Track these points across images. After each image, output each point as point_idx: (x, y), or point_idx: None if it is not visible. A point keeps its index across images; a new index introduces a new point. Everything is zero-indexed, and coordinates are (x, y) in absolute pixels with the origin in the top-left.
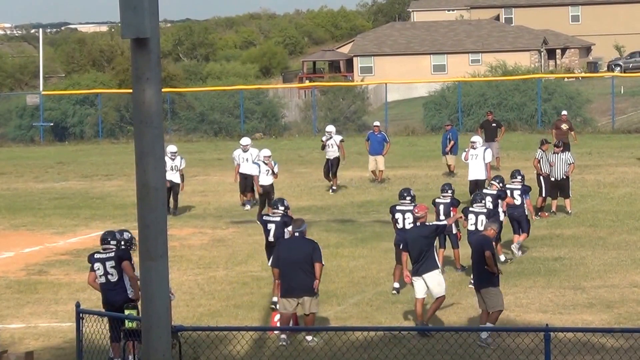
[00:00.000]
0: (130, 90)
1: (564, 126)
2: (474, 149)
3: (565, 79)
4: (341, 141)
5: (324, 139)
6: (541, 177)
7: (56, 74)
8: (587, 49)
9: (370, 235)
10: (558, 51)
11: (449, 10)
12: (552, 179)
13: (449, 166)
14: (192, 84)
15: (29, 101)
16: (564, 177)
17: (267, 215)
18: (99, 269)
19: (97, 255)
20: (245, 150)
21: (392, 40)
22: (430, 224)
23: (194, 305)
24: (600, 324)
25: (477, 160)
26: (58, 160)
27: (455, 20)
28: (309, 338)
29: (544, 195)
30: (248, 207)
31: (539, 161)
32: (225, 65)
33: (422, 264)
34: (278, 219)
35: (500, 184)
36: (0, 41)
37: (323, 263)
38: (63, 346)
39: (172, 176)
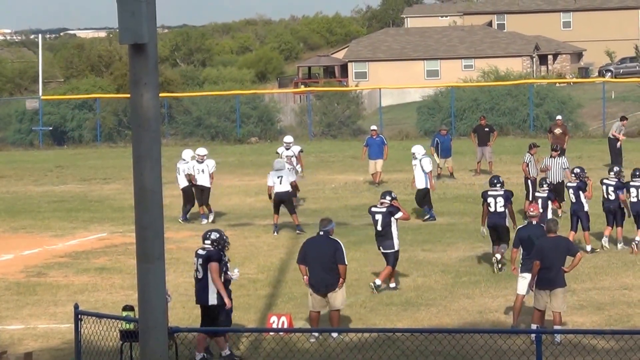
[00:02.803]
0: (128, 95)
1: (557, 130)
2: (415, 158)
3: (557, 84)
4: (300, 152)
5: (279, 150)
6: (529, 181)
7: (55, 79)
8: (578, 55)
9: (363, 238)
10: (550, 57)
11: (442, 17)
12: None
13: (447, 168)
14: (189, 89)
15: (28, 106)
16: (560, 181)
17: (375, 206)
18: (194, 263)
19: (198, 251)
20: (200, 162)
21: (386, 45)
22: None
23: (191, 307)
24: (591, 325)
25: (416, 169)
26: (57, 164)
27: (449, 26)
28: (335, 335)
29: (530, 198)
30: (205, 220)
31: (527, 165)
32: (222, 71)
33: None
34: (384, 209)
35: (579, 176)
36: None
37: (346, 264)
38: (62, 347)
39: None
